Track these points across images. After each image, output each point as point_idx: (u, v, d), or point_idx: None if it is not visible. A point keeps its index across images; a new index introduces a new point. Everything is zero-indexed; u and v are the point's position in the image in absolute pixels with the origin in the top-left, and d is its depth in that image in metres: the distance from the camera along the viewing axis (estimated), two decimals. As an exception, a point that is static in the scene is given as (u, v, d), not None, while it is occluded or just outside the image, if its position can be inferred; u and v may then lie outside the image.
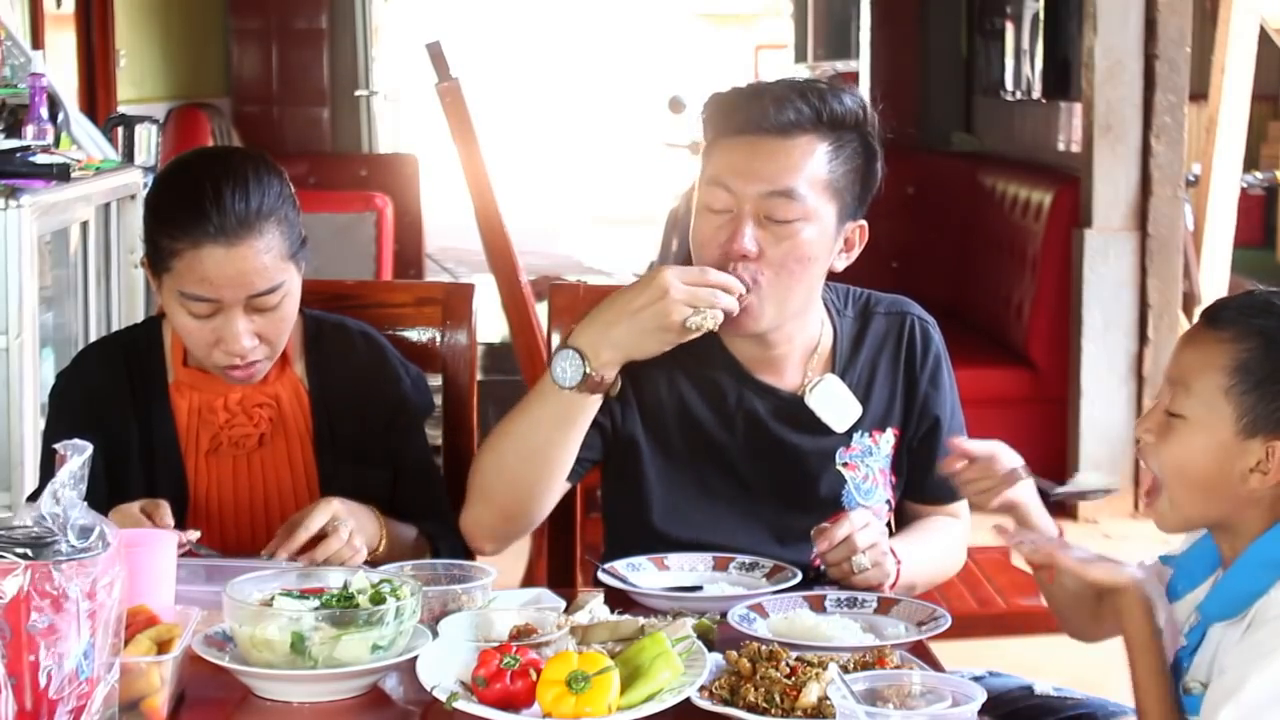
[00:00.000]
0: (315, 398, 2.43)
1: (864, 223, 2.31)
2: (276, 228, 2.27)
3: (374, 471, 2.40)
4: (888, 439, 2.37)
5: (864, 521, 2.17)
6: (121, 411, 2.39)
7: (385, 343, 2.51)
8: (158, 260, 2.29)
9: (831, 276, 2.35)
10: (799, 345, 2.33)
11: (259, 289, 2.26)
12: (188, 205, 2.25)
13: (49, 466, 2.36)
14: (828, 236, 2.25)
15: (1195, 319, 1.90)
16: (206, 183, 2.26)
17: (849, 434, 2.34)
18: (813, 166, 2.21)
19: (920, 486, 2.42)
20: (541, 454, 2.23)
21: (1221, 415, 1.78)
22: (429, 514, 2.42)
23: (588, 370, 2.17)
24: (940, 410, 2.39)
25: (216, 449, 2.40)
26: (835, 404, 2.32)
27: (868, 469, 2.35)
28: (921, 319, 2.42)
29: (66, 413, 2.41)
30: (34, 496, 2.36)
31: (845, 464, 2.34)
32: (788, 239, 2.21)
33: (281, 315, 2.31)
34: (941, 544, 2.42)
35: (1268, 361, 1.77)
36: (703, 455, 2.31)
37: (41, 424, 3.62)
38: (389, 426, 2.44)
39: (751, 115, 2.22)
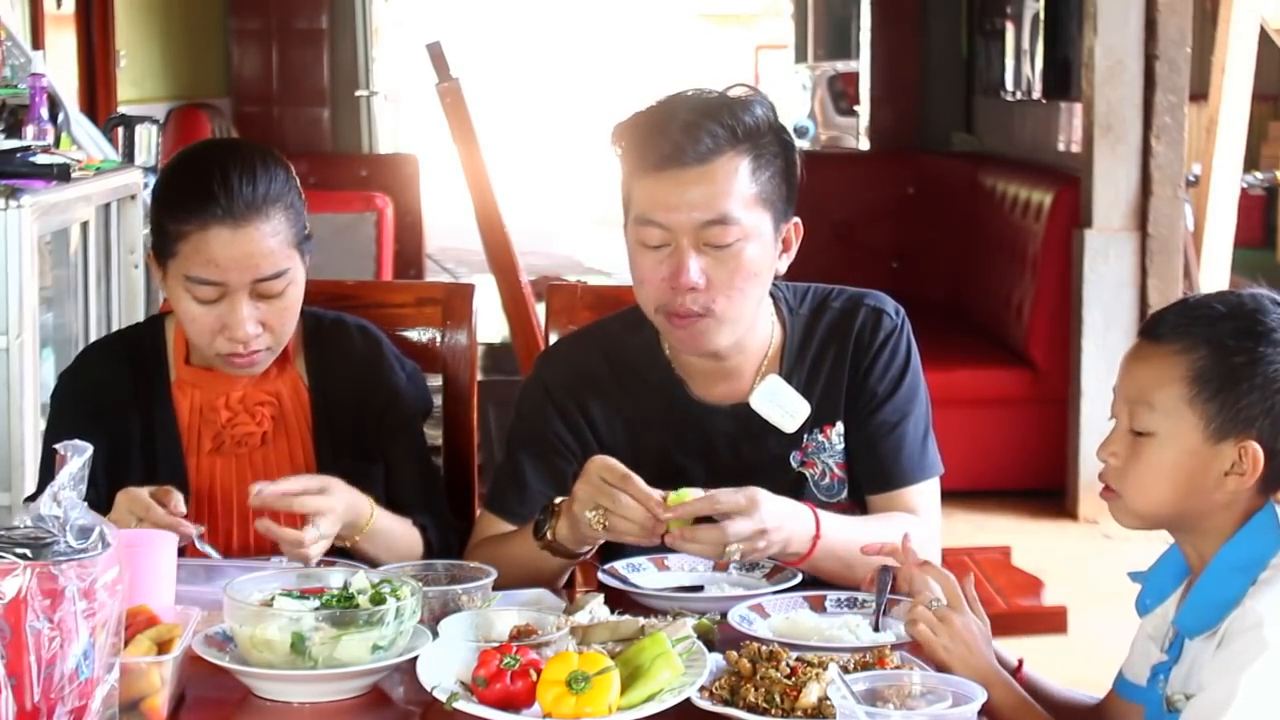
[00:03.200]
0: (315, 394, 2.43)
1: (797, 220, 2.30)
2: (283, 214, 2.28)
3: (371, 466, 2.40)
4: (838, 433, 2.34)
5: (736, 505, 2.05)
6: (124, 410, 2.39)
7: (382, 337, 2.51)
8: (163, 246, 2.29)
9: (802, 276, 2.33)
10: (750, 353, 2.33)
11: (265, 273, 2.26)
12: (195, 188, 2.26)
13: (49, 467, 2.37)
14: (768, 247, 2.24)
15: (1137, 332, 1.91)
16: (214, 167, 2.27)
17: (800, 433, 2.32)
18: (740, 185, 2.19)
19: (860, 474, 2.35)
20: (531, 576, 2.21)
21: (1189, 424, 1.80)
22: (425, 509, 2.41)
23: (548, 535, 2.17)
24: (879, 389, 2.32)
25: (220, 448, 2.39)
26: (781, 405, 2.30)
27: (824, 465, 2.33)
28: (876, 308, 2.37)
29: (68, 413, 2.41)
30: (33, 498, 2.37)
31: (804, 463, 2.32)
32: (731, 260, 2.20)
33: (286, 304, 2.31)
34: (880, 523, 2.25)
35: (1221, 365, 1.79)
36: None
37: (42, 424, 3.62)
38: (382, 420, 2.44)
39: (666, 151, 2.18)
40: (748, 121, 2.21)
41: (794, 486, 2.29)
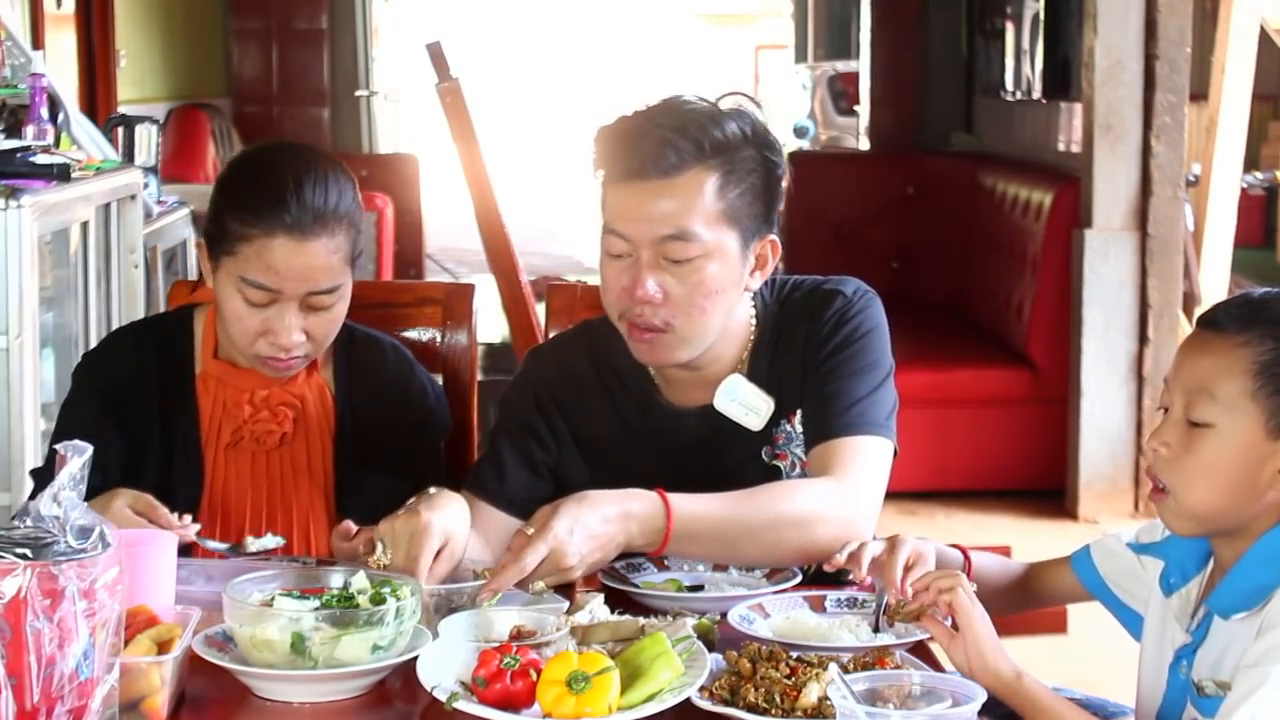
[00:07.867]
0: (341, 404, 2.44)
1: (774, 237, 2.26)
2: (346, 231, 2.29)
3: (394, 482, 2.38)
4: (800, 419, 2.31)
5: (529, 552, 1.97)
6: (146, 399, 2.39)
7: (413, 359, 2.52)
8: (222, 242, 2.28)
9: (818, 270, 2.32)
10: (727, 359, 2.31)
11: (321, 286, 2.27)
12: (267, 192, 2.25)
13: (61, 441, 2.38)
14: (732, 265, 2.21)
15: (1194, 323, 1.89)
16: (288, 173, 2.26)
17: (768, 428, 2.30)
18: (704, 202, 2.17)
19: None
20: None
21: (1250, 417, 1.78)
22: None
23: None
24: (822, 352, 2.28)
25: (237, 443, 2.40)
26: (743, 403, 2.29)
27: (794, 455, 2.31)
28: (832, 290, 2.33)
29: (89, 395, 2.40)
30: (39, 471, 2.38)
31: (776, 456, 2.31)
32: (690, 277, 2.18)
33: (333, 316, 2.32)
34: (757, 496, 2.17)
35: None
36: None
37: (43, 424, 3.63)
38: (414, 440, 2.45)
39: (634, 163, 2.16)
40: (718, 136, 2.17)
41: (771, 480, 2.27)
